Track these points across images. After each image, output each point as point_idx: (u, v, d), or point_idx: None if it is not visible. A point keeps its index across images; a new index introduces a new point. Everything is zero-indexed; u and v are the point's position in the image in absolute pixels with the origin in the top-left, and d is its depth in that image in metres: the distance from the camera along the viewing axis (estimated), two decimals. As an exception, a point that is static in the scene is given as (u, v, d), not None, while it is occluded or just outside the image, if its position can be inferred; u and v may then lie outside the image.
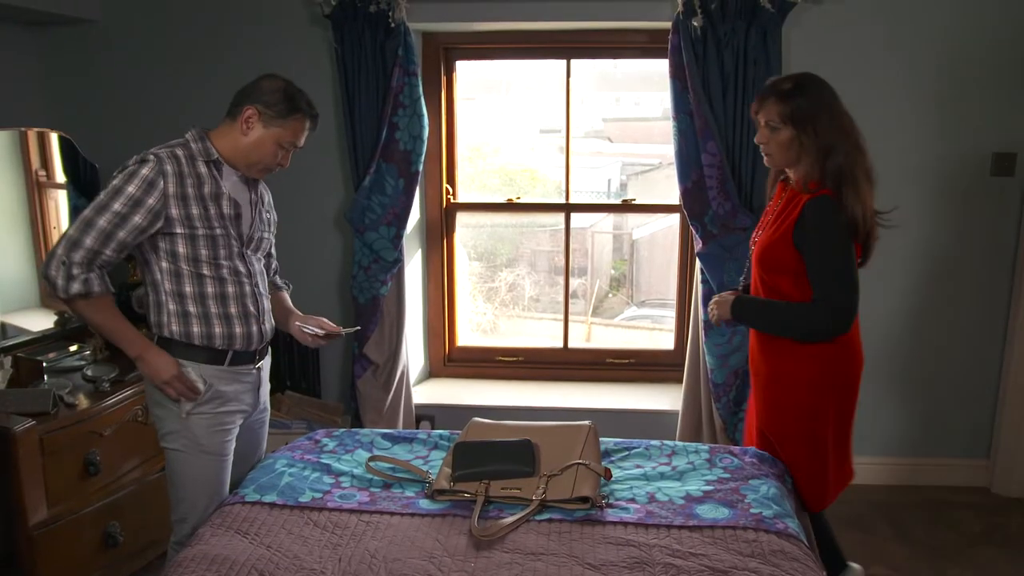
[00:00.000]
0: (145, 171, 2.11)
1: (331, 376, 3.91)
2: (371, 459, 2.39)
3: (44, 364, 3.04)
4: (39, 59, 3.73)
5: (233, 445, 2.36)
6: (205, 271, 2.22)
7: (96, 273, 2.11)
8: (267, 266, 2.55)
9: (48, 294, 2.14)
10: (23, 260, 3.34)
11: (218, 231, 2.21)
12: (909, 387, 3.71)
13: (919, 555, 3.17)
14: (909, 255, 3.60)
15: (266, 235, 2.42)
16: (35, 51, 3.70)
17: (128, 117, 3.76)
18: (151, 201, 2.11)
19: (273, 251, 2.58)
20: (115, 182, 2.11)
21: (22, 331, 3.27)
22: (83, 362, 3.18)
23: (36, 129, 3.35)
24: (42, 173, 3.39)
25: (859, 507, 3.56)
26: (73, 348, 3.30)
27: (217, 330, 2.25)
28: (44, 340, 3.30)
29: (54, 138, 3.37)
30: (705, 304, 3.44)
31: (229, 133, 2.24)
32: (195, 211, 2.17)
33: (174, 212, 2.15)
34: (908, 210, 3.56)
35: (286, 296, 2.62)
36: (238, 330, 2.28)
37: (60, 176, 3.44)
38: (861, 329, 3.74)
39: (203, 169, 2.20)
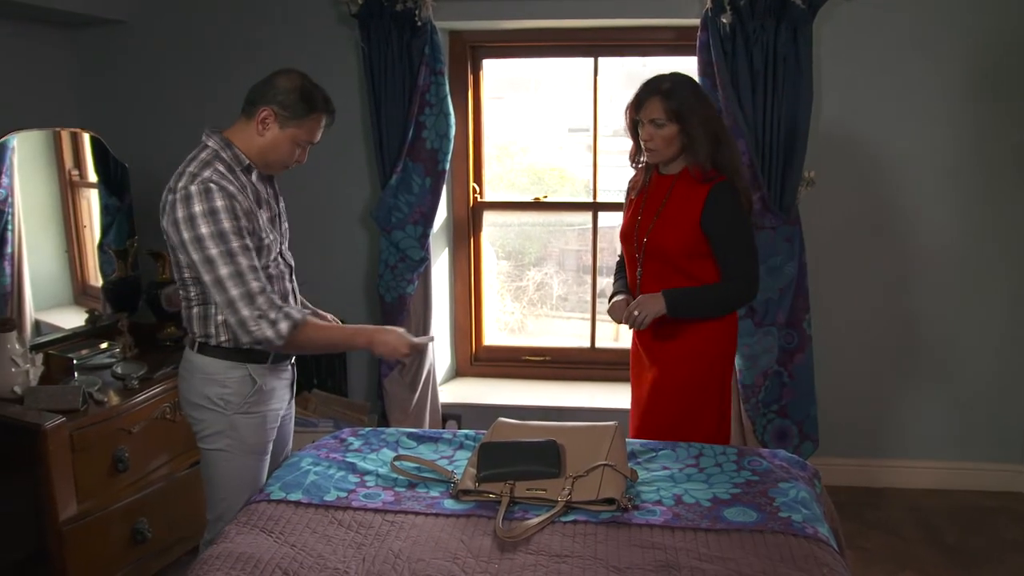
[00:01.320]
0: (219, 203, 2.08)
1: (358, 375, 3.92)
2: (396, 458, 2.39)
3: (75, 361, 3.08)
4: (70, 60, 3.76)
5: (272, 444, 2.39)
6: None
7: (286, 305, 2.14)
8: None
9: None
10: (57, 258, 3.38)
11: (271, 236, 2.23)
12: (941, 389, 3.64)
13: (951, 561, 3.12)
14: (940, 254, 3.53)
15: (286, 225, 2.43)
16: (66, 52, 3.74)
17: (157, 117, 3.80)
18: (244, 223, 2.12)
19: None
20: (205, 230, 2.06)
21: (55, 328, 3.31)
22: (113, 359, 3.21)
23: (69, 129, 3.39)
24: (75, 172, 3.43)
25: (890, 511, 3.50)
26: (104, 345, 3.33)
27: None
28: (75, 337, 3.33)
29: (86, 138, 3.41)
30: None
31: (244, 132, 2.22)
32: (259, 221, 2.19)
33: (250, 225, 2.16)
34: (940, 209, 3.50)
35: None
36: None
37: (92, 176, 3.48)
38: (890, 329, 3.70)
39: (243, 178, 2.20)
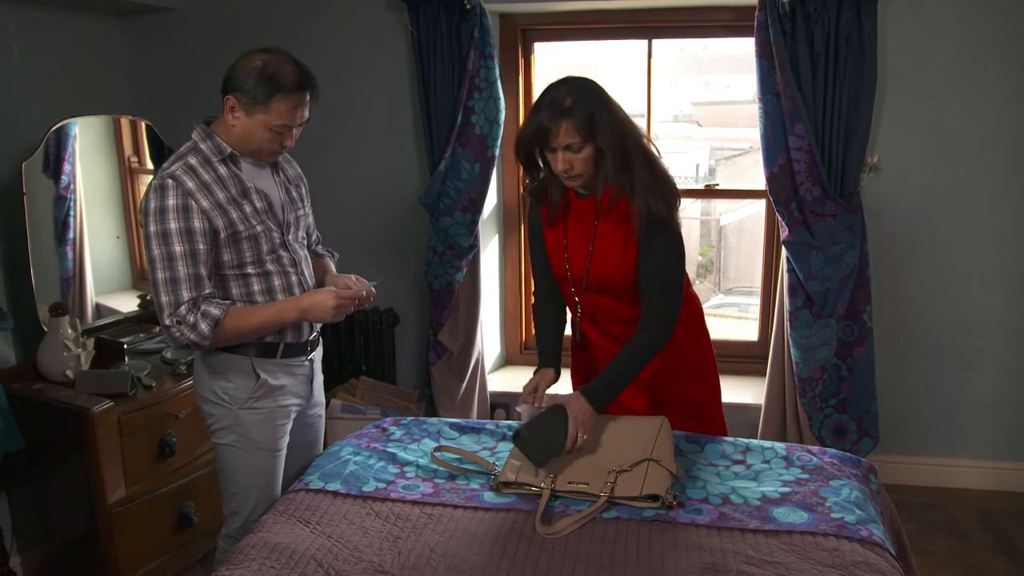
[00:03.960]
0: (171, 201, 2.00)
1: (407, 362, 3.91)
2: (437, 449, 2.35)
3: (125, 346, 3.12)
4: (123, 48, 3.80)
5: (287, 439, 2.32)
6: (250, 270, 2.16)
7: (205, 303, 2.04)
8: (308, 242, 2.44)
9: (182, 344, 2.09)
10: (116, 243, 3.43)
11: (258, 228, 2.13)
12: (1008, 386, 3.47)
13: (1021, 569, 2.96)
14: (1009, 247, 3.37)
15: (300, 212, 2.31)
16: (119, 40, 3.77)
17: (206, 104, 3.78)
18: (197, 223, 2.02)
19: (311, 221, 2.44)
20: (153, 228, 2.00)
21: (114, 312, 3.37)
22: (163, 344, 3.24)
23: (128, 116, 3.43)
24: (134, 159, 3.47)
25: (956, 512, 3.35)
26: (156, 330, 3.38)
27: None
28: (129, 321, 3.39)
29: (143, 125, 3.45)
30: (792, 294, 3.29)
31: (223, 121, 2.11)
32: (234, 214, 2.09)
33: (219, 222, 2.07)
34: (1009, 200, 3.32)
35: (330, 263, 2.50)
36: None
37: (149, 162, 3.52)
38: (955, 323, 3.46)
39: (222, 170, 2.10)
